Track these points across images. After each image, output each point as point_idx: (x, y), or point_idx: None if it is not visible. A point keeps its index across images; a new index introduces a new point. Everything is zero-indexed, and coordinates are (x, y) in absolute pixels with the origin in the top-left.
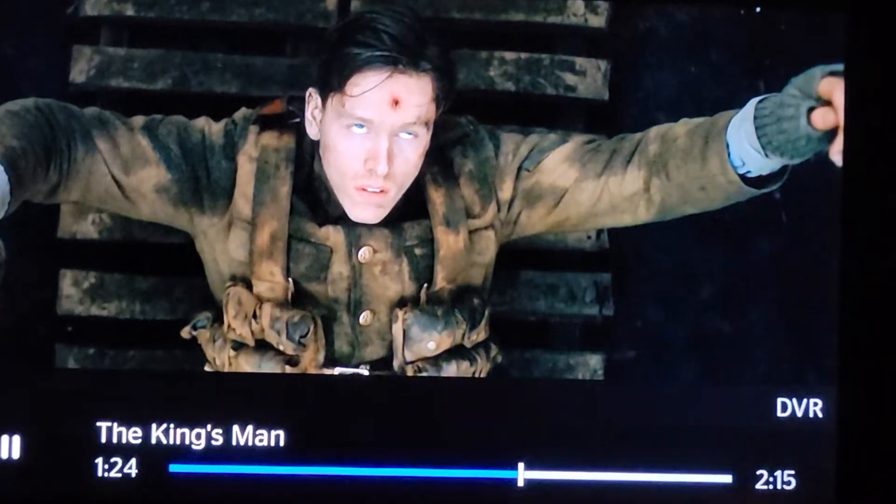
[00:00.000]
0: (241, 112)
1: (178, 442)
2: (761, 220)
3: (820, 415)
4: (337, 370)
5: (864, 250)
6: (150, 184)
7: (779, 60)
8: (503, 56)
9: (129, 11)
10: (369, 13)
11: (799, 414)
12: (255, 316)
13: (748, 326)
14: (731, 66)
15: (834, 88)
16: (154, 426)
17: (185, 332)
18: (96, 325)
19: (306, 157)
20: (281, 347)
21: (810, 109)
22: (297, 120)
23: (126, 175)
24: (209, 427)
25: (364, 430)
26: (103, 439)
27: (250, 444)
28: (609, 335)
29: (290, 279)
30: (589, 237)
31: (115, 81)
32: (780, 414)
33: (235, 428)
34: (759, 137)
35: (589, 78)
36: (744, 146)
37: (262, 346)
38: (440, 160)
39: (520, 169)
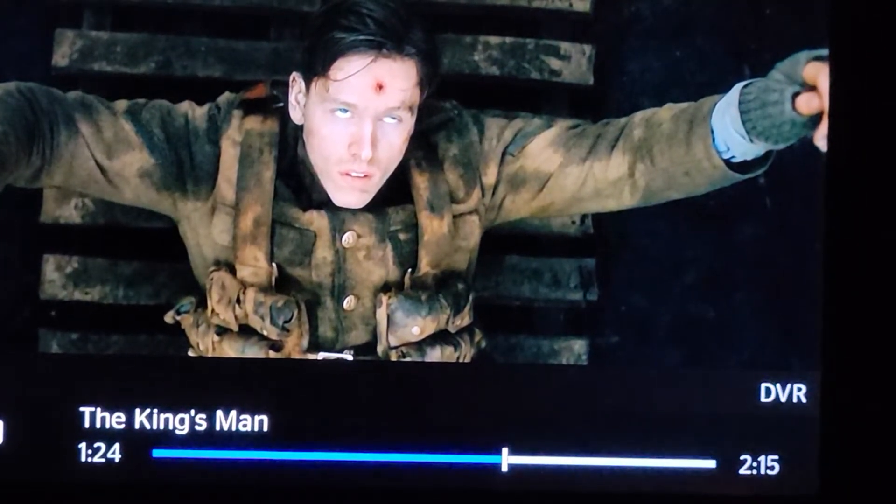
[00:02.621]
0: (225, 96)
1: (161, 427)
2: (746, 205)
3: (804, 400)
4: (321, 355)
5: (848, 235)
6: (134, 168)
7: (764, 45)
8: (488, 40)
9: None
10: None
11: (783, 399)
12: (238, 301)
13: (732, 311)
14: (716, 50)
15: (819, 73)
16: (137, 411)
17: (169, 317)
18: (79, 310)
19: (290, 141)
20: (265, 332)
21: (795, 94)
22: (281, 104)
23: (109, 159)
24: (193, 412)
25: (348, 416)
26: (86, 424)
27: (234, 429)
28: (593, 320)
29: (274, 264)
30: (573, 222)
31: (97, 65)
32: (763, 399)
33: (219, 413)
34: (743, 122)
35: (574, 63)
36: (728, 131)
37: (246, 332)
38: (424, 145)
39: (504, 153)
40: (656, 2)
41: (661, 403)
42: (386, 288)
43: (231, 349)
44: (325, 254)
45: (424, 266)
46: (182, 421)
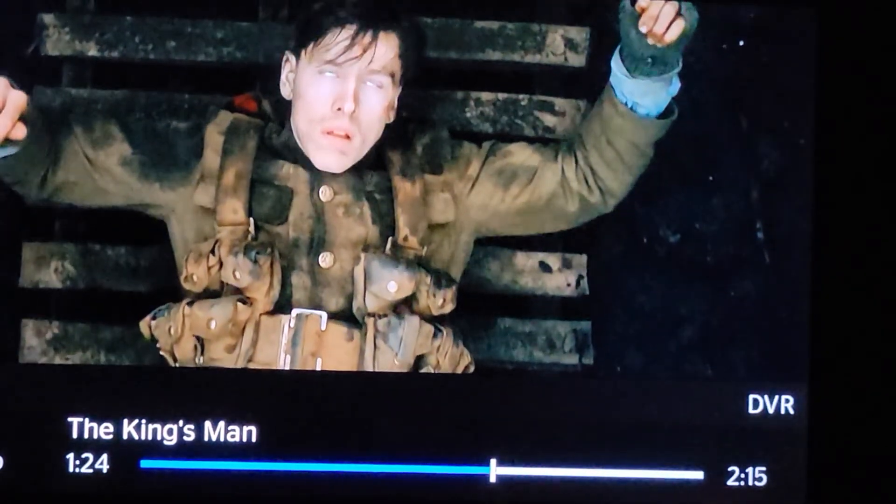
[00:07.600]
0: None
1: (149, 438)
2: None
3: (791, 411)
4: (295, 312)
5: (835, 251)
6: (115, 158)
7: (760, 95)
8: (479, 97)
9: (92, 51)
10: None
11: (770, 411)
12: (213, 252)
13: (721, 322)
14: (712, 101)
15: None
16: (126, 422)
17: (144, 325)
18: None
19: (273, 134)
20: (237, 274)
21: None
22: (266, 116)
23: (94, 150)
24: (181, 423)
25: (336, 427)
26: (75, 435)
27: (222, 440)
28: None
29: (252, 219)
30: (569, 284)
31: None
32: (751, 411)
33: (207, 424)
34: (622, 59)
35: (568, 119)
36: (619, 78)
37: (215, 294)
38: (399, 129)
39: (487, 155)
40: None
41: (650, 415)
42: (365, 248)
43: (201, 311)
44: (302, 209)
45: (402, 227)
46: (170, 432)
